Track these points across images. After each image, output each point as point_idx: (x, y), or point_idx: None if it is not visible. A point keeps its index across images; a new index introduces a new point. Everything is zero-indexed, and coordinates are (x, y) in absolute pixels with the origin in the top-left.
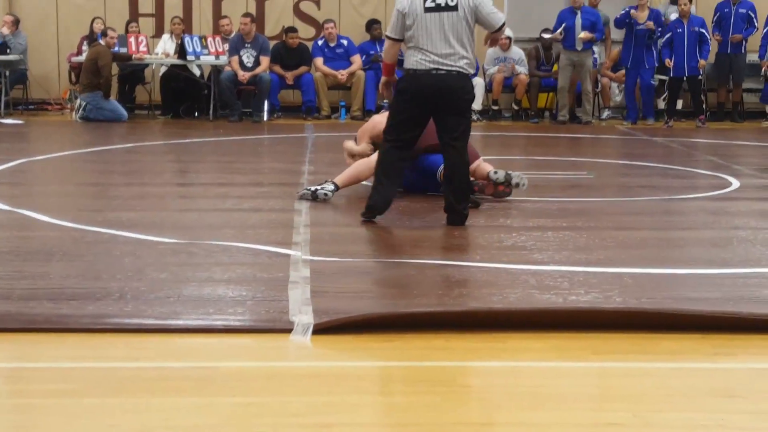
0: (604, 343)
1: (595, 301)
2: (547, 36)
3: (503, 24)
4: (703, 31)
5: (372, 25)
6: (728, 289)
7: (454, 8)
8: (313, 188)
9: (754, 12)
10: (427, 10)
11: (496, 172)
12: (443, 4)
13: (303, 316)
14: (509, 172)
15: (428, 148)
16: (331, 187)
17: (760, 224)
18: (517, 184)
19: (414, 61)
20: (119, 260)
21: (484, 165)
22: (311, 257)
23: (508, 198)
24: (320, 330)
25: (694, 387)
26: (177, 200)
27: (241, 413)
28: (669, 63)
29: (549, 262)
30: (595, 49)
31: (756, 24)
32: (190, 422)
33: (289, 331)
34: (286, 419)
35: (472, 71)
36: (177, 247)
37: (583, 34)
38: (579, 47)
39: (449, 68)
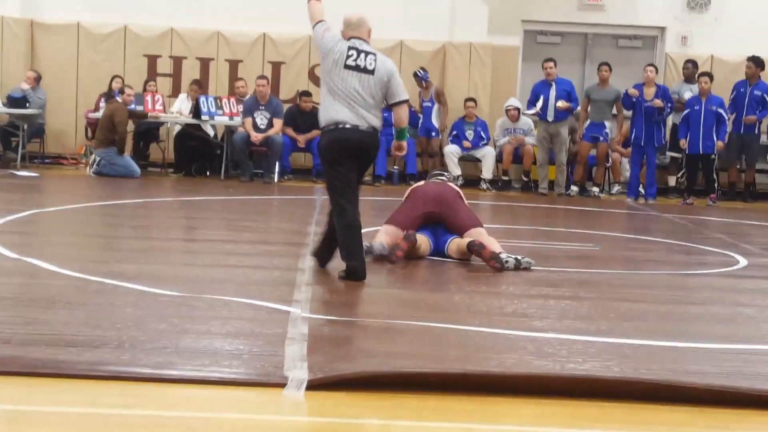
0: (600, 412)
1: (593, 369)
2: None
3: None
4: (721, 111)
5: None
6: (729, 364)
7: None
8: (368, 244)
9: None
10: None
11: (506, 261)
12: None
13: (298, 372)
14: (518, 258)
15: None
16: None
17: (766, 302)
18: (526, 268)
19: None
20: (120, 310)
21: (485, 239)
22: (310, 315)
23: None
24: (314, 386)
25: None
26: (182, 255)
27: None
28: (684, 143)
29: (549, 330)
30: (607, 124)
31: None
32: None
33: (283, 385)
34: None
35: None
36: (178, 300)
37: (560, 103)
38: (550, 118)
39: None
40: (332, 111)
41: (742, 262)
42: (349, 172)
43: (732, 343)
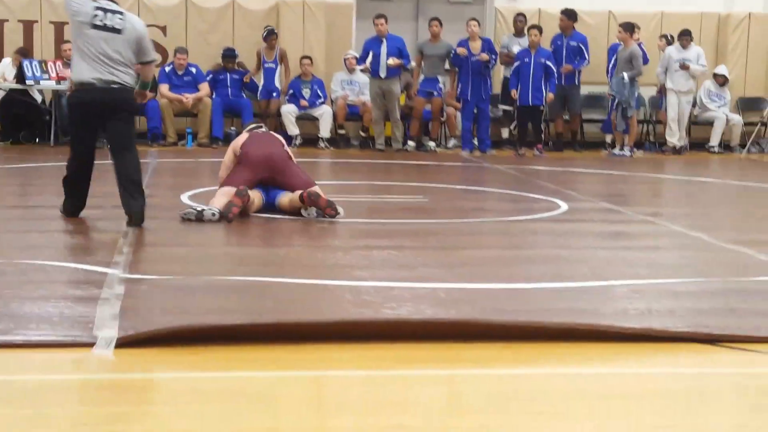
0: (406, 353)
1: (406, 313)
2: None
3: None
4: (550, 63)
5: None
6: (536, 302)
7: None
8: (199, 208)
9: (585, 44)
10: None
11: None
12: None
13: (107, 330)
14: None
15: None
16: (216, 210)
17: (579, 243)
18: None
19: None
20: None
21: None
22: (128, 275)
23: (340, 219)
24: (124, 344)
25: (488, 392)
26: (0, 222)
27: (25, 426)
28: (515, 94)
29: (369, 279)
30: (440, 79)
31: (586, 56)
32: None
33: (92, 345)
34: (77, 429)
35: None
36: None
37: (390, 60)
38: (383, 74)
39: None
40: (80, 71)
41: (564, 207)
42: (91, 130)
43: (542, 283)
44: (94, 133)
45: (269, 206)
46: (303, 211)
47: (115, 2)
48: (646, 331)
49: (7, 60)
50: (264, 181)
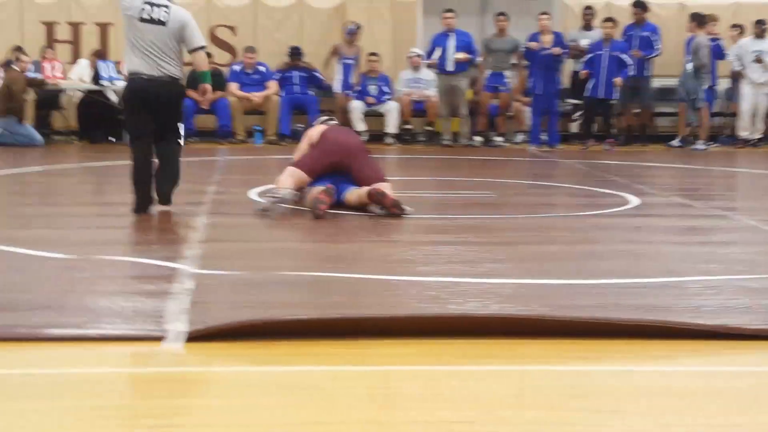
0: (472, 349)
1: (472, 309)
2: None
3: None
4: (624, 56)
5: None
6: (604, 298)
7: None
8: (272, 198)
9: (657, 34)
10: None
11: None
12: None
13: (177, 325)
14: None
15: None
16: (287, 192)
17: (650, 238)
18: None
19: None
20: (4, 275)
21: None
22: (199, 270)
23: (406, 216)
24: (193, 338)
25: (549, 388)
26: (76, 219)
27: (89, 416)
28: (584, 74)
29: (434, 274)
30: (507, 74)
31: (655, 47)
32: (32, 427)
33: (163, 339)
34: (137, 421)
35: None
36: (66, 263)
37: (458, 55)
38: (450, 68)
39: None
40: (131, 63)
41: (634, 201)
42: (145, 121)
43: (611, 278)
44: (149, 123)
45: (335, 202)
46: (370, 208)
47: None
48: (720, 329)
49: (84, 62)
50: (335, 166)
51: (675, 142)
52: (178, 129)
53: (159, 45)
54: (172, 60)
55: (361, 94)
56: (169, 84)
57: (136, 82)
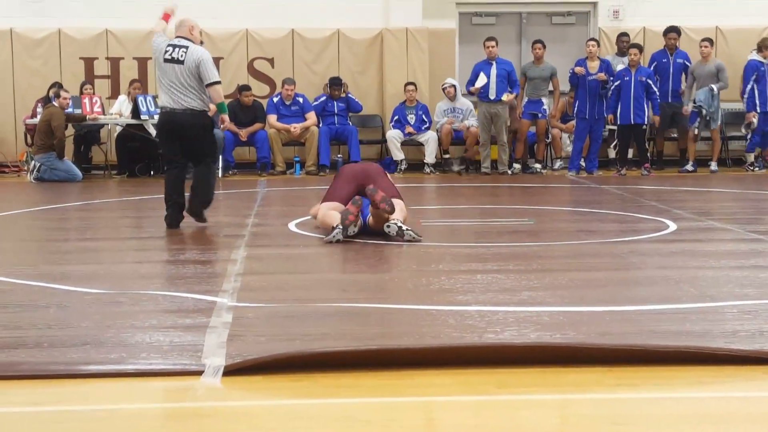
0: (510, 378)
1: (509, 338)
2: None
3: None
4: (650, 81)
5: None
6: (642, 324)
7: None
8: (338, 231)
9: (690, 62)
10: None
11: (388, 226)
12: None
13: (215, 359)
14: (402, 227)
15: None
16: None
17: (688, 264)
18: (409, 240)
19: None
20: (43, 311)
21: (400, 209)
22: (236, 303)
23: (444, 244)
24: (231, 372)
25: (588, 416)
26: (114, 253)
27: None
28: (611, 119)
29: (472, 303)
30: (544, 101)
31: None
32: None
33: (201, 373)
34: None
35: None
36: (103, 297)
37: (505, 96)
38: (492, 96)
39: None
40: (161, 98)
41: (672, 227)
42: (173, 147)
43: (648, 305)
44: (177, 150)
45: (362, 225)
46: (385, 227)
47: (187, 39)
48: (757, 353)
49: (123, 97)
50: (360, 191)
51: (713, 166)
52: (210, 154)
53: (179, 81)
54: (193, 94)
55: (399, 123)
56: (190, 116)
57: (163, 115)
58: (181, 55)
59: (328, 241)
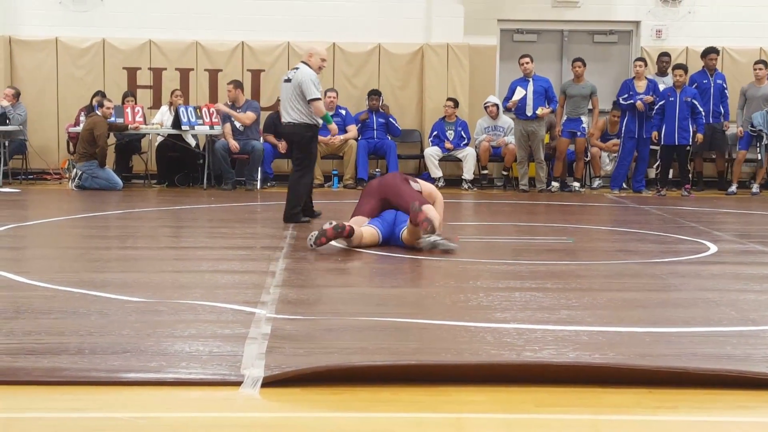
0: (547, 397)
1: (547, 356)
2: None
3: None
4: (696, 102)
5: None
6: (682, 346)
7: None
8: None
9: (725, 83)
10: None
11: (421, 240)
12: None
13: (254, 370)
14: (438, 240)
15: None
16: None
17: (729, 286)
18: (445, 251)
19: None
20: (85, 318)
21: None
22: (275, 315)
23: (482, 260)
24: (270, 383)
25: None
26: (154, 262)
27: None
28: (656, 136)
29: (510, 321)
30: (583, 119)
31: (727, 94)
32: None
33: (240, 384)
34: None
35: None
36: (143, 306)
37: (539, 110)
38: (529, 114)
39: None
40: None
41: (713, 248)
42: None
43: (689, 327)
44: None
45: (396, 241)
46: (418, 242)
47: (305, 63)
48: None
49: (164, 108)
50: (384, 204)
51: (754, 188)
52: (301, 162)
53: (286, 98)
54: (296, 109)
55: (438, 139)
56: (291, 127)
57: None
58: (291, 75)
59: (309, 243)
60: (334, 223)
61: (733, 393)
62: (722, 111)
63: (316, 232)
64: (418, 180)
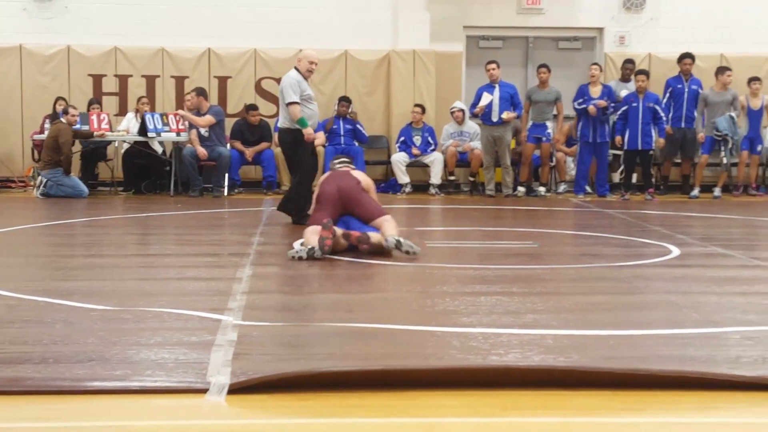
0: (515, 400)
1: (513, 360)
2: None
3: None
4: (658, 107)
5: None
6: (646, 349)
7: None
8: (306, 249)
9: (701, 88)
10: None
11: (387, 240)
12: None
13: (220, 377)
14: (401, 240)
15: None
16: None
17: (691, 289)
18: (407, 252)
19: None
20: (49, 327)
21: (386, 226)
22: (241, 322)
23: (448, 265)
24: (236, 390)
25: None
26: (119, 270)
27: None
28: (619, 141)
29: (476, 325)
30: (548, 124)
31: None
32: None
33: (206, 392)
34: None
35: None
36: (109, 314)
37: (505, 114)
38: (495, 119)
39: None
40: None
41: (676, 251)
42: None
43: (652, 329)
44: None
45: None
46: (383, 242)
47: (295, 67)
48: (760, 380)
49: (130, 114)
50: (341, 210)
51: (716, 192)
52: (293, 167)
53: (280, 102)
54: (282, 114)
55: (405, 145)
56: (279, 132)
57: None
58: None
59: (291, 256)
60: (324, 221)
61: (696, 394)
62: (695, 116)
63: (313, 244)
64: (356, 172)
